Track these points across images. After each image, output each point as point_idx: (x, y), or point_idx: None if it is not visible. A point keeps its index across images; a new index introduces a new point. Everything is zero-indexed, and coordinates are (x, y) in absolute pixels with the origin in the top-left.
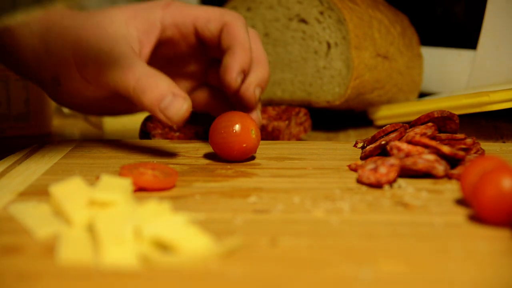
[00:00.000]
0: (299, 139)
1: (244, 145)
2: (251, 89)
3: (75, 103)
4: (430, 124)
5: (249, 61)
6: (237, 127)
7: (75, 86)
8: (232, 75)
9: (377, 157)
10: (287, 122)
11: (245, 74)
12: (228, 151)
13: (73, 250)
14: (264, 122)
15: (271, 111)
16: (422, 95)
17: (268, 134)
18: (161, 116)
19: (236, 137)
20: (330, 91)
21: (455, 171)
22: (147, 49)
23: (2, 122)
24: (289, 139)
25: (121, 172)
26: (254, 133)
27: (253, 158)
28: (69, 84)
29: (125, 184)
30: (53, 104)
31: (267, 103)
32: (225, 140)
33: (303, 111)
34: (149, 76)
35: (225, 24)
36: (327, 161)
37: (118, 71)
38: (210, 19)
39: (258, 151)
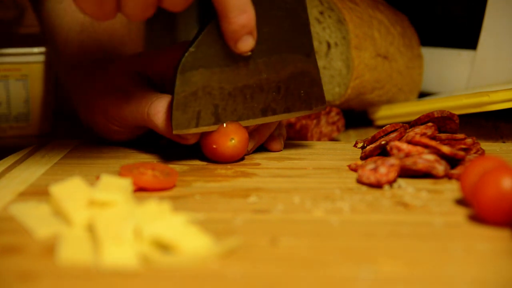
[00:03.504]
0: (331, 138)
1: (214, 146)
2: None
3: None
4: (430, 124)
5: None
6: (217, 129)
7: (101, 129)
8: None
9: (377, 157)
10: (315, 121)
11: None
12: (204, 148)
13: (73, 250)
14: (293, 120)
15: None
16: (422, 95)
17: (295, 132)
18: (175, 138)
19: (211, 138)
20: (330, 91)
21: (455, 171)
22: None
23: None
24: (319, 139)
25: (121, 172)
26: (234, 141)
27: (243, 159)
28: (97, 129)
29: (125, 184)
30: (53, 104)
31: None
32: (203, 138)
33: (335, 110)
34: (161, 99)
35: None
36: (327, 161)
37: (133, 105)
38: None
39: (258, 150)
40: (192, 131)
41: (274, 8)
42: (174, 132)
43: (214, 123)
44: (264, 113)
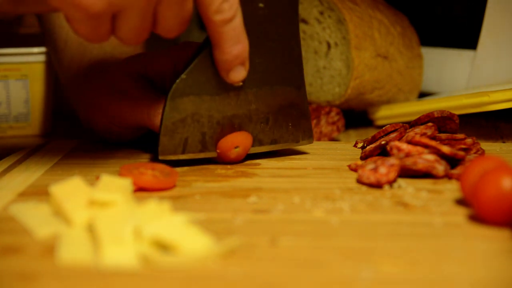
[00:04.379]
0: (332, 138)
1: (218, 150)
2: None
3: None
4: (430, 124)
5: None
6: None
7: (102, 129)
8: None
9: (377, 157)
10: (315, 121)
11: None
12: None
13: (73, 250)
14: None
15: None
16: (422, 95)
17: None
18: None
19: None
20: (330, 91)
21: (455, 171)
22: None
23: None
24: (319, 139)
25: (121, 172)
26: (239, 149)
27: (250, 158)
28: (98, 128)
29: (125, 184)
30: (53, 104)
31: None
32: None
33: (334, 110)
34: (161, 100)
35: None
36: (327, 161)
37: (133, 105)
38: None
39: None
40: (177, 158)
41: (267, 40)
42: (160, 157)
43: (201, 151)
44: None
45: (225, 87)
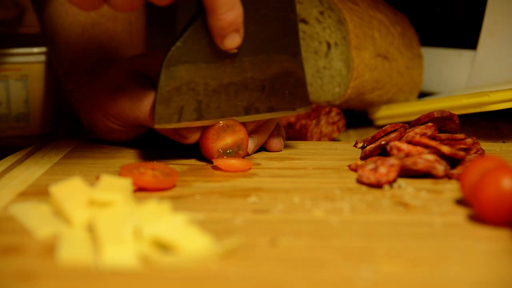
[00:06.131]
0: (332, 138)
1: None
2: None
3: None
4: (430, 124)
5: None
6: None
7: (101, 128)
8: None
9: (377, 157)
10: (315, 121)
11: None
12: (202, 149)
13: (73, 250)
14: (292, 120)
15: None
16: (422, 95)
17: (295, 132)
18: (175, 137)
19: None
20: (330, 91)
21: (455, 171)
22: None
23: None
24: (319, 139)
25: (121, 172)
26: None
27: (250, 158)
28: (97, 128)
29: (125, 184)
30: (53, 104)
31: None
32: (203, 138)
33: (335, 110)
34: None
35: None
36: (327, 161)
37: (133, 102)
38: None
39: (258, 150)
40: (173, 126)
41: (262, 7)
42: (156, 126)
43: (196, 119)
44: (247, 111)
45: (220, 55)
